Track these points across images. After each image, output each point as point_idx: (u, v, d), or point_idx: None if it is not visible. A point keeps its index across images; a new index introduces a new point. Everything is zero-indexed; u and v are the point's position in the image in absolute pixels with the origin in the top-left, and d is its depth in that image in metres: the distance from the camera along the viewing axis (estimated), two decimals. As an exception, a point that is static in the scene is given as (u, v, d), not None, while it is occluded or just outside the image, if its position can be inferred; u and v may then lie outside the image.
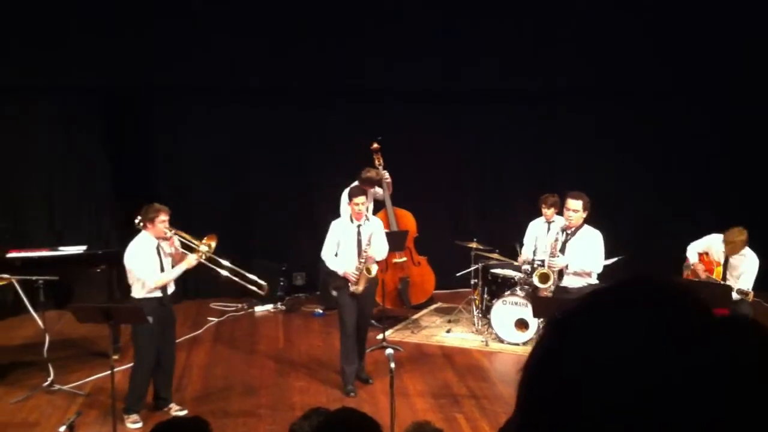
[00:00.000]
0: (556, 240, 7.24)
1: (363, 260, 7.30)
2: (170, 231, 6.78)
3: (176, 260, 6.87)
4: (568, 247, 7.17)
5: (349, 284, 7.30)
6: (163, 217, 6.68)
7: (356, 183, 8.90)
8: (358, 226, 7.37)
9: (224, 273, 7.29)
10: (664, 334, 0.75)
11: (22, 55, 9.75)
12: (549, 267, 7.24)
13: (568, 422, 0.75)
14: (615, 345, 0.76)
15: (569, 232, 7.19)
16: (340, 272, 7.35)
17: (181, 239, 6.95)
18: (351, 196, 7.40)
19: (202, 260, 6.96)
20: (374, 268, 7.38)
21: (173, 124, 10.73)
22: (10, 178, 10.21)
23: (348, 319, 7.35)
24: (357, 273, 7.28)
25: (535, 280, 7.39)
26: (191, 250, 6.94)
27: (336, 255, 7.42)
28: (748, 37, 10.32)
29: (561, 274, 7.22)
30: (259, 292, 7.54)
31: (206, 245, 6.96)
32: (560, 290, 7.19)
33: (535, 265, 8.67)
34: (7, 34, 9.61)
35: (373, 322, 8.34)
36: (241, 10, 10.12)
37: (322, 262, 7.61)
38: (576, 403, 0.75)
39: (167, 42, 10.00)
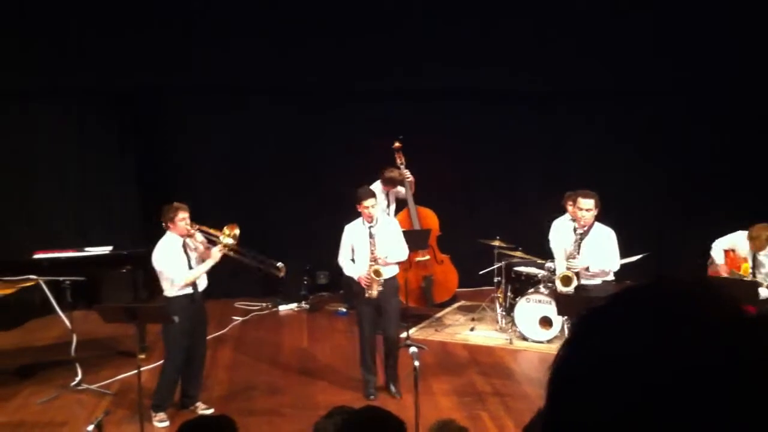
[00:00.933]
0: (574, 242, 7.18)
1: (372, 263, 7.11)
2: (193, 228, 6.81)
3: (203, 256, 6.89)
4: (583, 246, 7.10)
5: (365, 292, 7.16)
6: (183, 215, 6.71)
7: (373, 184, 8.90)
8: (370, 227, 7.20)
9: (246, 261, 7.26)
10: (682, 333, 0.75)
11: (36, 59, 9.90)
12: (569, 269, 7.17)
13: (587, 418, 0.76)
14: (635, 343, 0.76)
15: (582, 232, 7.13)
16: (355, 277, 7.23)
17: (205, 234, 6.98)
18: (359, 199, 7.20)
19: (227, 252, 6.96)
20: (386, 271, 7.13)
21: (193, 124, 10.80)
22: (30, 180, 10.38)
23: (365, 326, 7.27)
24: (368, 277, 7.13)
25: (558, 285, 7.32)
26: (216, 243, 6.96)
27: (353, 260, 7.29)
28: (749, 37, 10.21)
29: (578, 274, 7.16)
30: (278, 273, 7.47)
31: (230, 237, 6.96)
32: (578, 288, 7.14)
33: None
34: (21, 37, 9.76)
35: None
36: (253, 10, 10.17)
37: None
38: (592, 399, 0.76)
39: (181, 43, 10.10)
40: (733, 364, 0.73)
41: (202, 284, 6.89)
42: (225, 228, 7.02)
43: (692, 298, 0.80)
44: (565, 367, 0.81)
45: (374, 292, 7.12)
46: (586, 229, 7.09)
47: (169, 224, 6.73)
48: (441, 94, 10.85)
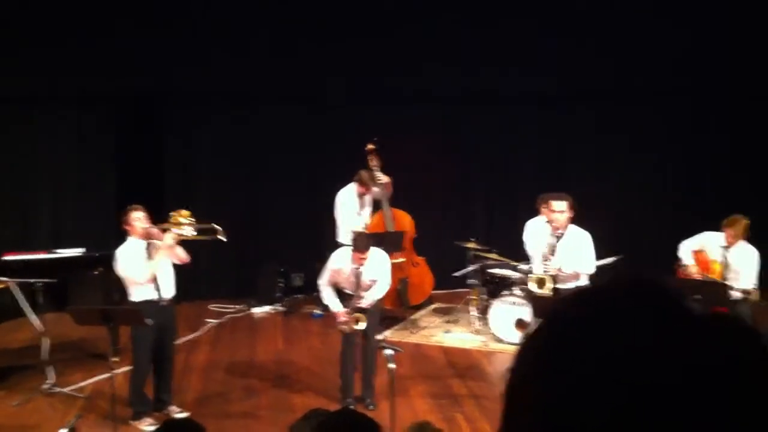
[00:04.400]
0: (548, 245, 7.21)
1: (356, 311, 6.95)
2: (153, 227, 6.75)
3: (172, 254, 6.84)
4: (558, 249, 7.14)
5: (339, 324, 7.05)
6: (136, 215, 6.67)
7: (348, 186, 8.92)
8: (358, 268, 7.00)
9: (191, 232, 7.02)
10: (659, 334, 0.74)
11: (35, 62, 9.85)
12: (545, 272, 7.21)
13: (563, 426, 0.74)
14: (608, 346, 0.74)
15: (557, 234, 7.17)
16: (332, 309, 7.09)
17: (163, 228, 6.90)
18: (356, 248, 6.97)
19: (185, 235, 6.86)
20: (362, 324, 6.97)
21: (176, 128, 10.78)
22: (17, 184, 10.33)
23: (345, 339, 7.14)
24: (346, 318, 6.97)
25: (532, 287, 7.35)
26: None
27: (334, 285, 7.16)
28: (749, 37, 10.34)
29: (555, 278, 7.20)
30: (221, 237, 7.23)
31: (188, 225, 6.89)
32: (554, 292, 7.18)
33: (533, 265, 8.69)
34: (20, 39, 9.72)
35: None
36: (248, 15, 10.17)
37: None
38: (569, 405, 0.74)
39: (174, 48, 10.09)
40: (729, 363, 0.72)
41: (168, 291, 6.83)
42: (178, 217, 6.95)
43: (670, 298, 0.79)
44: (538, 373, 0.78)
45: (346, 329, 7.01)
46: (561, 231, 7.13)
47: (127, 228, 6.69)
48: (431, 96, 10.85)
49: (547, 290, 7.17)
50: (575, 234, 7.14)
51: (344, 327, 7.03)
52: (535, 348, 0.81)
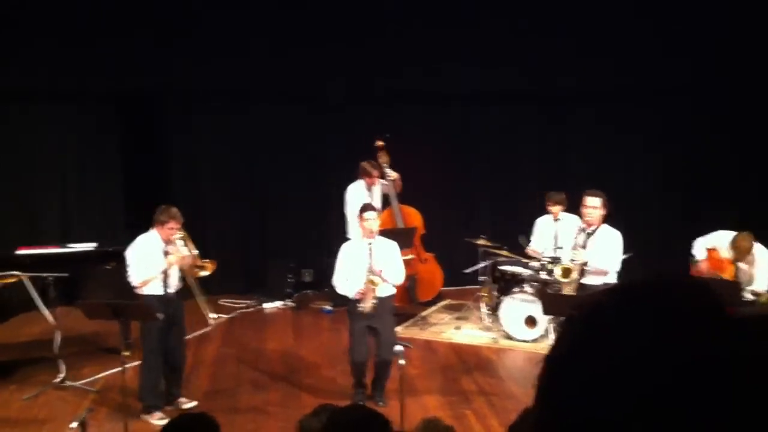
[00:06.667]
0: (577, 236, 7.23)
1: (368, 273, 6.80)
2: (175, 238, 6.79)
3: (181, 264, 6.87)
4: (589, 245, 7.16)
5: (358, 305, 6.87)
6: (174, 225, 6.69)
7: (356, 183, 8.94)
8: (369, 243, 6.93)
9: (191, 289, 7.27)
10: (683, 330, 0.75)
11: (36, 60, 9.90)
12: (572, 261, 7.23)
13: (588, 419, 0.75)
14: (633, 342, 0.75)
15: (589, 231, 7.17)
16: (351, 295, 6.89)
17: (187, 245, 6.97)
18: (361, 211, 7.00)
19: (184, 267, 6.96)
20: (382, 289, 6.85)
21: (186, 125, 10.81)
22: (25, 179, 10.39)
23: (356, 348, 6.94)
24: (364, 288, 6.82)
25: (557, 274, 7.37)
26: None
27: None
28: (750, 36, 10.27)
29: (582, 271, 7.21)
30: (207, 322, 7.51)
31: (203, 268, 7.10)
32: (580, 288, 7.19)
33: (544, 262, 8.68)
34: (21, 38, 9.76)
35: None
36: (253, 14, 10.19)
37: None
38: (594, 400, 0.75)
39: (180, 45, 10.14)
40: (736, 361, 0.72)
41: (174, 285, 6.86)
42: (207, 261, 7.19)
43: (688, 295, 0.80)
44: (562, 367, 0.80)
45: (368, 304, 6.83)
46: (594, 228, 7.14)
47: (157, 225, 6.71)
48: (435, 95, 10.85)
49: (571, 280, 7.17)
50: (607, 232, 7.17)
51: (365, 305, 6.84)
52: (559, 344, 0.83)
